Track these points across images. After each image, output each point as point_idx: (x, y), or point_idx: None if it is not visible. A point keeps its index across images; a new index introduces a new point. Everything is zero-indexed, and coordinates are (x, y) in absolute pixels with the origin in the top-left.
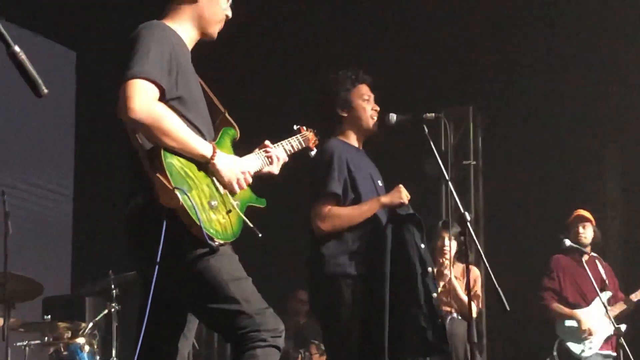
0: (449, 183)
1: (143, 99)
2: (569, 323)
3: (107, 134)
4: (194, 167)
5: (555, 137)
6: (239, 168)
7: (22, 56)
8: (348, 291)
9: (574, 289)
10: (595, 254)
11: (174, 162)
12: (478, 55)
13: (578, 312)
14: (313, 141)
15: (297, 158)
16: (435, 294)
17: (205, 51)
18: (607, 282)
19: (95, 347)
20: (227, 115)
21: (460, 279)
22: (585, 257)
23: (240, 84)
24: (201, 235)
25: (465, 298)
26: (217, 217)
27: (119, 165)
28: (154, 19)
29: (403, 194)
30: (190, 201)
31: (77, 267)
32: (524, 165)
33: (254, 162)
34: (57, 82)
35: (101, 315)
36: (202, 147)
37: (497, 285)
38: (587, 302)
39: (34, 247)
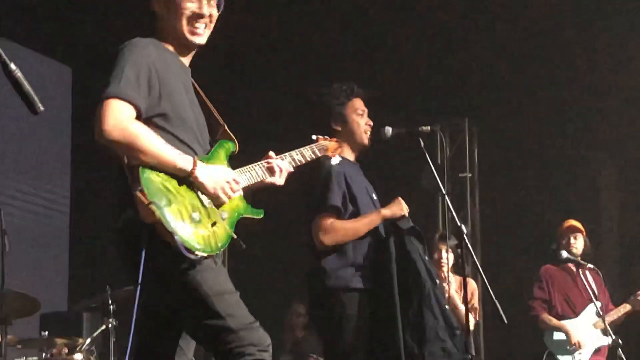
0: (446, 196)
1: (116, 119)
2: (557, 336)
3: (103, 149)
4: (175, 181)
5: (551, 148)
6: (222, 178)
7: (18, 74)
8: (351, 304)
9: (563, 300)
10: (590, 265)
11: (152, 178)
12: (473, 67)
13: (566, 324)
14: (333, 149)
15: (295, 172)
16: (447, 306)
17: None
18: (597, 293)
19: None
20: (226, 128)
21: (457, 291)
22: (574, 268)
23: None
24: (178, 249)
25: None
26: (199, 230)
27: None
28: (149, 35)
29: (403, 206)
30: (165, 215)
31: (74, 283)
32: (520, 177)
33: (250, 173)
34: (53, 98)
35: (99, 331)
36: (181, 161)
37: (494, 298)
38: (576, 313)
39: (31, 263)
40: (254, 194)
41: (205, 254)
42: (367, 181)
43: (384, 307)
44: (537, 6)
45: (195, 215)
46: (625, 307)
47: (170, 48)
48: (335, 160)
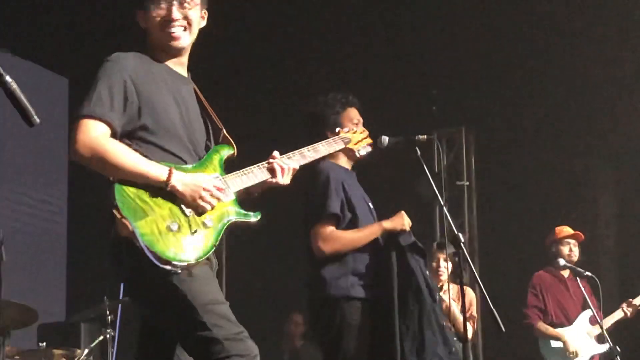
0: (443, 205)
1: (86, 137)
2: (554, 344)
3: None
4: (151, 192)
5: (548, 156)
6: (200, 186)
7: (14, 86)
8: (351, 314)
9: (557, 307)
10: (588, 273)
11: (125, 191)
12: (470, 76)
13: (562, 333)
14: (357, 141)
15: (292, 181)
16: (445, 322)
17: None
18: (588, 300)
19: None
20: (224, 132)
21: (455, 300)
22: (567, 274)
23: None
24: (155, 261)
25: (461, 319)
26: (177, 239)
27: None
28: (144, 48)
29: (405, 221)
30: (137, 229)
31: (72, 294)
32: (517, 185)
33: (247, 175)
34: (50, 108)
35: (97, 341)
36: (155, 171)
37: (492, 306)
38: (570, 321)
39: (29, 273)
40: (261, 196)
41: (184, 264)
42: (363, 190)
43: (383, 319)
44: (534, 15)
45: (173, 225)
46: (618, 315)
47: (162, 59)
48: (363, 152)
